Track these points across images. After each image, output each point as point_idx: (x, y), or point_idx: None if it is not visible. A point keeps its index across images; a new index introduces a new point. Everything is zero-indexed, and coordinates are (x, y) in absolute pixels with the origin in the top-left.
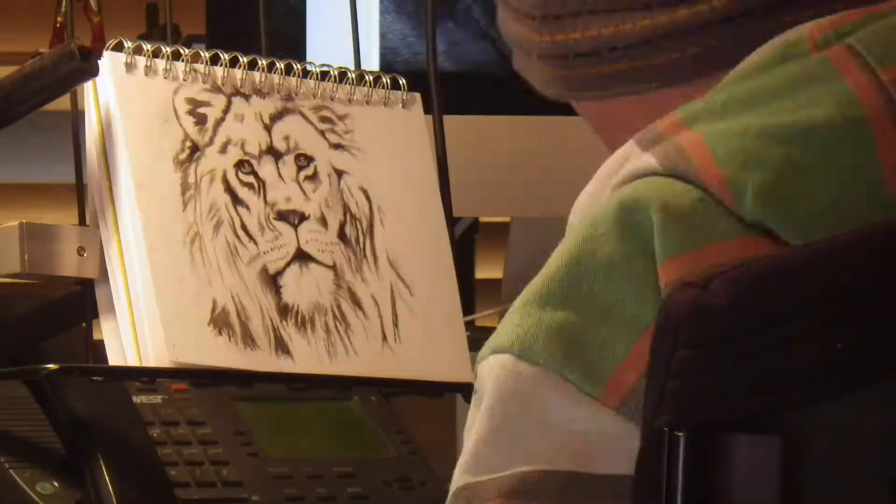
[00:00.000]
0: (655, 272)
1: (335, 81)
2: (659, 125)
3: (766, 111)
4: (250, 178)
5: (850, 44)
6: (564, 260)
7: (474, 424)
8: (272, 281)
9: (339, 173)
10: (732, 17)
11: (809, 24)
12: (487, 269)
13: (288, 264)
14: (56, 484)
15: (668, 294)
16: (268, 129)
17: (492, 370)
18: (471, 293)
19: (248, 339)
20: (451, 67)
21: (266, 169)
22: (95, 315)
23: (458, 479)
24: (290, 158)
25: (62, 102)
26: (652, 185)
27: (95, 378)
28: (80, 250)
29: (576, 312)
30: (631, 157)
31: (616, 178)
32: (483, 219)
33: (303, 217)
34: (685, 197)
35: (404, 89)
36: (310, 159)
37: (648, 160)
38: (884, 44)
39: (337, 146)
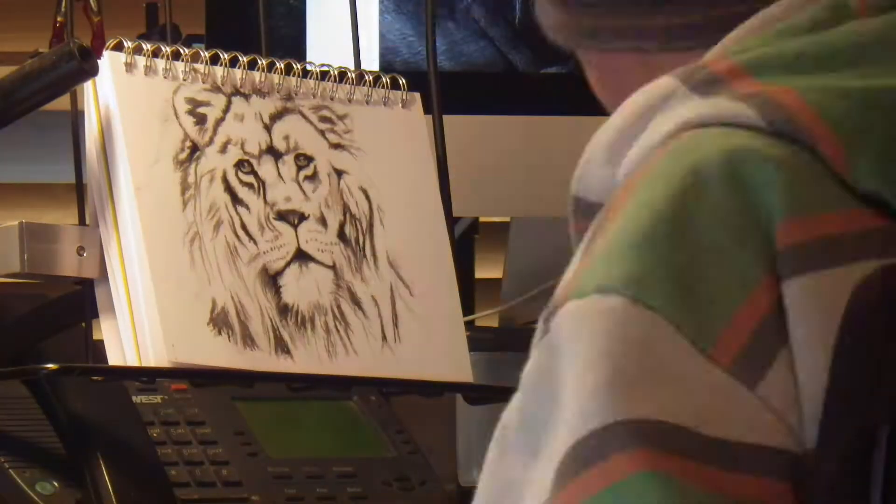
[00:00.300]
0: (770, 228)
1: (335, 81)
2: (711, 67)
3: (855, 73)
4: (250, 178)
5: None
6: (665, 204)
7: (555, 374)
8: (272, 281)
9: (339, 173)
10: None
11: None
12: (487, 269)
13: (288, 264)
14: (56, 484)
15: (870, 280)
16: (268, 128)
17: (599, 312)
18: (470, 293)
19: (248, 339)
20: (451, 67)
21: (266, 169)
22: (95, 315)
23: (582, 425)
24: (289, 158)
25: (62, 102)
26: (755, 141)
27: (95, 378)
28: (80, 250)
29: (685, 259)
30: (676, 96)
31: (666, 120)
32: (483, 218)
33: (302, 217)
34: (797, 158)
35: (404, 89)
36: (309, 159)
37: (742, 110)
38: None
39: (337, 146)
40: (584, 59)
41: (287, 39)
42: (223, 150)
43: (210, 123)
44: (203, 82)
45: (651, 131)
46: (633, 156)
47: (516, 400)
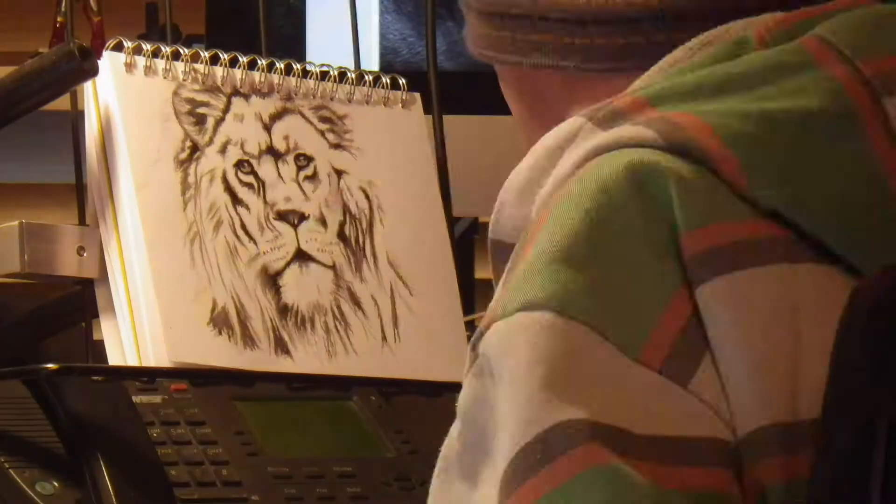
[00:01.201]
0: (677, 240)
1: (335, 81)
2: (615, 103)
3: (751, 96)
4: (250, 178)
5: (822, 35)
6: (579, 223)
7: (485, 393)
8: (272, 281)
9: (339, 173)
10: (665, 18)
11: (742, 22)
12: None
13: (288, 264)
14: (56, 484)
15: (866, 285)
16: (267, 128)
17: (526, 328)
18: (470, 293)
19: (248, 339)
20: (451, 67)
21: (266, 169)
22: (95, 315)
23: (523, 432)
24: (289, 158)
25: (62, 102)
26: (655, 157)
27: (95, 378)
28: (80, 250)
29: (605, 272)
30: (582, 132)
31: (575, 152)
32: (482, 218)
33: (302, 217)
34: (695, 173)
35: (404, 89)
36: (309, 159)
37: (642, 132)
38: (855, 37)
39: (336, 146)
40: (503, 73)
41: (287, 40)
42: (223, 150)
43: (210, 123)
44: (203, 82)
45: (560, 166)
46: (545, 190)
47: (454, 429)
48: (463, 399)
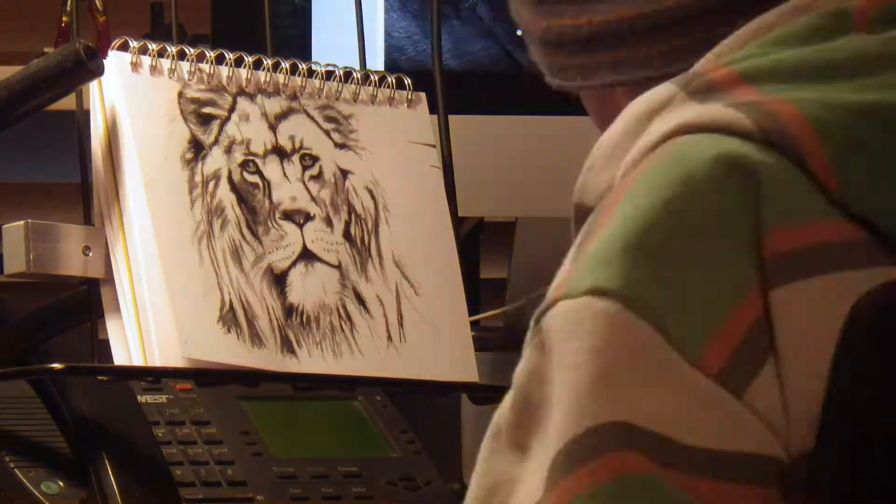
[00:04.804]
0: (759, 237)
1: (340, 81)
2: (710, 74)
3: (851, 86)
4: (255, 178)
5: None
6: (658, 212)
7: (543, 371)
8: (277, 280)
9: (345, 173)
10: (720, 10)
11: None
12: (492, 269)
13: (293, 264)
14: (61, 483)
15: (872, 292)
16: (273, 128)
17: (591, 315)
18: (476, 293)
19: (256, 338)
20: (457, 66)
21: (271, 168)
22: (101, 315)
23: (576, 423)
24: (295, 158)
25: (67, 102)
26: (745, 149)
27: (101, 378)
28: (86, 250)
29: (677, 267)
30: (674, 102)
31: (664, 123)
32: (488, 218)
33: (308, 217)
34: (785, 168)
35: (409, 89)
36: (315, 159)
37: (736, 119)
38: None
39: (342, 146)
40: (586, 97)
41: (292, 39)
42: (228, 149)
43: (215, 123)
44: (208, 82)
45: (648, 134)
46: (630, 157)
47: (508, 398)
48: (521, 371)
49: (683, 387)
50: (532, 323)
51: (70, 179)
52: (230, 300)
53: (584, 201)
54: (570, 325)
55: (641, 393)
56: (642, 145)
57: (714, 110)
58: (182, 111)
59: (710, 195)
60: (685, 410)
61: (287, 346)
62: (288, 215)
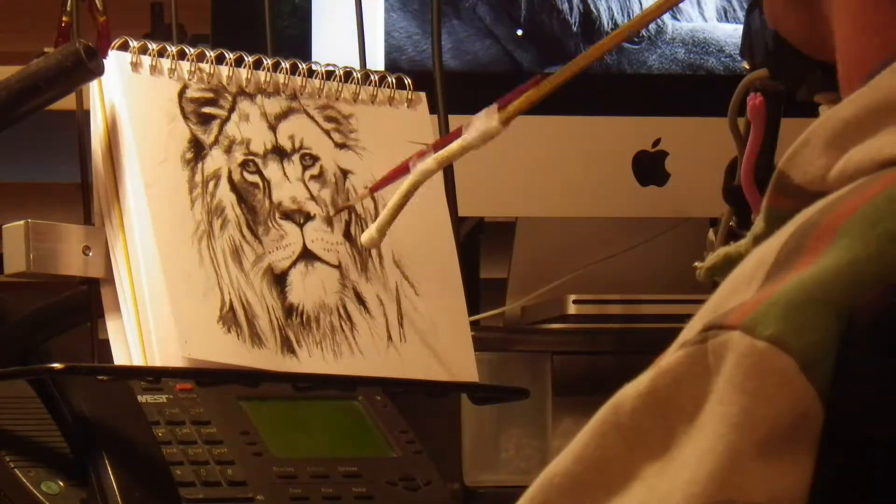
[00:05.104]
0: None
1: (340, 81)
2: None
3: None
4: (255, 178)
5: None
6: (867, 272)
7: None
8: (278, 280)
9: (345, 173)
10: None
11: None
12: (493, 269)
13: (293, 264)
14: (61, 483)
15: (866, 303)
16: (273, 128)
17: (771, 369)
18: (476, 293)
19: (256, 338)
20: (457, 66)
21: (271, 168)
22: (101, 314)
23: (713, 491)
24: (295, 158)
25: (67, 102)
26: None
27: (101, 377)
28: (86, 250)
29: None
30: None
31: None
32: (488, 218)
33: (308, 216)
34: None
35: (409, 89)
36: (315, 159)
37: None
38: None
39: (342, 146)
40: None
41: (292, 39)
42: (228, 149)
43: (215, 123)
44: (208, 82)
45: (882, 141)
46: (855, 164)
47: (641, 385)
48: (669, 369)
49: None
50: (699, 324)
51: (70, 179)
52: (230, 300)
53: (790, 173)
54: (740, 369)
55: (790, 475)
56: (871, 157)
57: None
58: (182, 111)
59: None
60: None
61: (287, 346)
62: (288, 215)
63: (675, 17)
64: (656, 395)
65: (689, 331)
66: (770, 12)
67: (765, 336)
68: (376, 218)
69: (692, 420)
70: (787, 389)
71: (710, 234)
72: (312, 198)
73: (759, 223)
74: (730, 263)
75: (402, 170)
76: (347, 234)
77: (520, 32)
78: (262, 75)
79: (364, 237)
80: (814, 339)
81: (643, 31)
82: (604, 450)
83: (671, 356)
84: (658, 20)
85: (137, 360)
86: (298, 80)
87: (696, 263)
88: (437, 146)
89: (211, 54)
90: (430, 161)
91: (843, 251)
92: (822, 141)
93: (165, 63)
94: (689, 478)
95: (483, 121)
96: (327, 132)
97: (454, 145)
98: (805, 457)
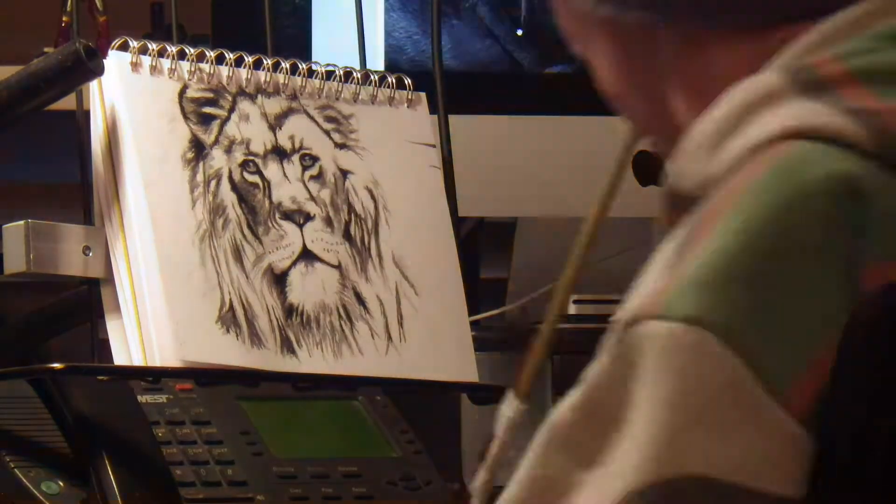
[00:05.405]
0: (858, 271)
1: (340, 81)
2: (819, 68)
3: None
4: (255, 178)
5: None
6: (765, 239)
7: (616, 385)
8: (278, 280)
9: (345, 173)
10: None
11: None
12: (492, 269)
13: (293, 264)
14: (61, 483)
15: (867, 301)
16: (273, 128)
17: (687, 345)
18: (476, 293)
19: (255, 338)
20: (457, 66)
21: (271, 168)
22: (101, 314)
23: (652, 468)
24: (295, 158)
25: (67, 102)
26: (860, 170)
27: (101, 377)
28: (86, 250)
29: (777, 299)
30: (783, 96)
31: (769, 121)
32: (488, 218)
33: (308, 217)
34: None
35: (409, 89)
36: (315, 159)
37: (853, 130)
38: None
39: (342, 146)
40: (604, 26)
41: (292, 39)
42: (229, 149)
43: (215, 123)
44: (208, 82)
45: (752, 129)
46: (732, 153)
47: (574, 399)
48: (595, 374)
49: (769, 429)
50: (617, 324)
51: (70, 179)
52: (230, 300)
53: (680, 187)
54: (661, 353)
55: (727, 441)
56: (746, 143)
57: (826, 115)
58: (182, 111)
59: (815, 225)
60: (772, 457)
61: (287, 346)
62: (288, 215)
63: None
64: (587, 405)
65: (607, 337)
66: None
67: (679, 318)
68: (375, 217)
69: (624, 415)
70: (707, 362)
71: None
72: (312, 198)
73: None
74: None
75: None
76: (347, 235)
77: (520, 32)
78: (262, 75)
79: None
80: (725, 310)
81: None
82: (544, 470)
83: (596, 365)
84: None
85: (137, 360)
86: (298, 80)
87: None
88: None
89: (211, 54)
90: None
91: (730, 223)
92: (702, 148)
93: (165, 63)
94: (630, 464)
95: (507, 408)
96: (327, 132)
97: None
98: (745, 423)
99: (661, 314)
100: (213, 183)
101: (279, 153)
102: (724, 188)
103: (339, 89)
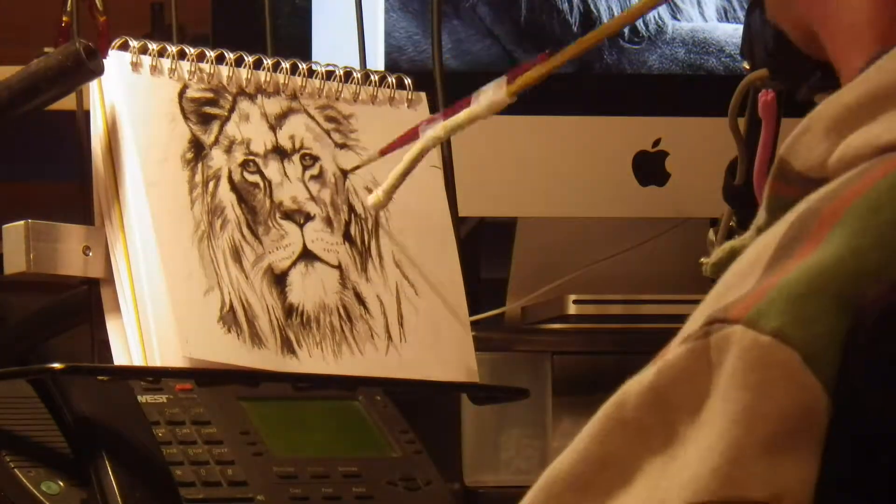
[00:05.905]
0: None
1: (340, 81)
2: None
3: None
4: (256, 178)
5: None
6: (870, 261)
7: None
8: (278, 280)
9: (345, 173)
10: None
11: None
12: (492, 269)
13: (293, 264)
14: (61, 483)
15: (879, 297)
16: (273, 128)
17: (774, 364)
18: (476, 293)
19: (256, 338)
20: (457, 66)
21: (272, 168)
22: (101, 314)
23: (715, 486)
24: (295, 158)
25: (67, 102)
26: None
27: (101, 377)
28: (86, 250)
29: None
30: None
31: None
32: (489, 218)
33: (308, 217)
34: None
35: (410, 89)
36: (315, 159)
37: None
38: None
39: (342, 146)
40: None
41: (292, 39)
42: (229, 149)
43: (216, 123)
44: (208, 82)
45: (882, 126)
46: (855, 149)
47: (645, 381)
48: (671, 366)
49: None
50: (701, 318)
51: (70, 179)
52: (230, 300)
53: (790, 160)
54: (743, 364)
55: (794, 470)
56: (870, 142)
57: None
58: (182, 111)
59: None
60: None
61: (287, 346)
62: (288, 215)
63: (675, 17)
64: (659, 391)
65: (692, 324)
66: (770, 14)
67: (768, 330)
68: (376, 217)
69: (695, 417)
70: (789, 383)
71: (710, 234)
72: (312, 198)
73: (761, 214)
74: (735, 258)
75: (411, 135)
76: (347, 235)
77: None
78: (262, 75)
79: (370, 199)
80: (817, 332)
81: (643, 32)
82: (607, 446)
83: (674, 351)
84: (658, 20)
85: (137, 360)
86: (298, 80)
87: (703, 259)
88: (447, 114)
89: (211, 54)
90: (438, 128)
91: (845, 239)
92: (823, 127)
93: (165, 63)
94: (692, 475)
95: (492, 92)
96: (327, 132)
97: (462, 115)
98: (810, 452)
99: (752, 320)
100: (212, 183)
101: (279, 153)
102: (841, 192)
103: (340, 89)
